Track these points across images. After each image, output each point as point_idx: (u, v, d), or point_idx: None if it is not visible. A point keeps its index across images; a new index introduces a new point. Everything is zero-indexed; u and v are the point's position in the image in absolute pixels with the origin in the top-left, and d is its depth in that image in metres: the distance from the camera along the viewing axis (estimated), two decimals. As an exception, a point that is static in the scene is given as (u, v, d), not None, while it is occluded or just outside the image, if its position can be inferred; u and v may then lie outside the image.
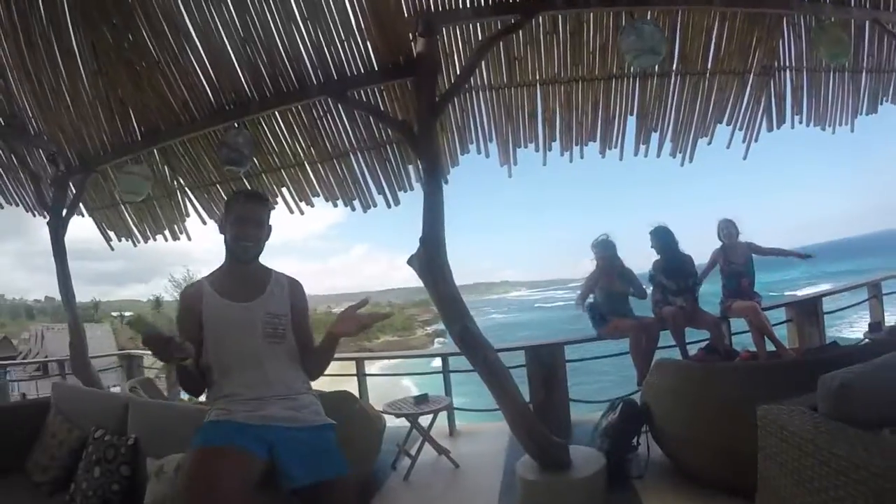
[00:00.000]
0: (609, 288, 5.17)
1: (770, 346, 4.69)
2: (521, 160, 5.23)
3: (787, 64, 5.26)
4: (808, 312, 5.60)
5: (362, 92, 4.59)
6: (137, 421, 3.48)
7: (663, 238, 5.10)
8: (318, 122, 4.97)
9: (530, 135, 5.07)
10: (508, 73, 4.76)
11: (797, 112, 5.56)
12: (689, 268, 5.11)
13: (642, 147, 5.21)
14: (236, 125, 4.79)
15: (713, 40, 4.81)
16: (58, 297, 5.99)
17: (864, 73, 5.67)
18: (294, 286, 2.46)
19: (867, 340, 5.25)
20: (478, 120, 5.00)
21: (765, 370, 3.43)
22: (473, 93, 4.89)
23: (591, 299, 5.28)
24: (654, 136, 5.21)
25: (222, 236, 2.35)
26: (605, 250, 5.24)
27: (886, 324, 5.91)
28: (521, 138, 5.09)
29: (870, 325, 5.46)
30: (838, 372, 2.09)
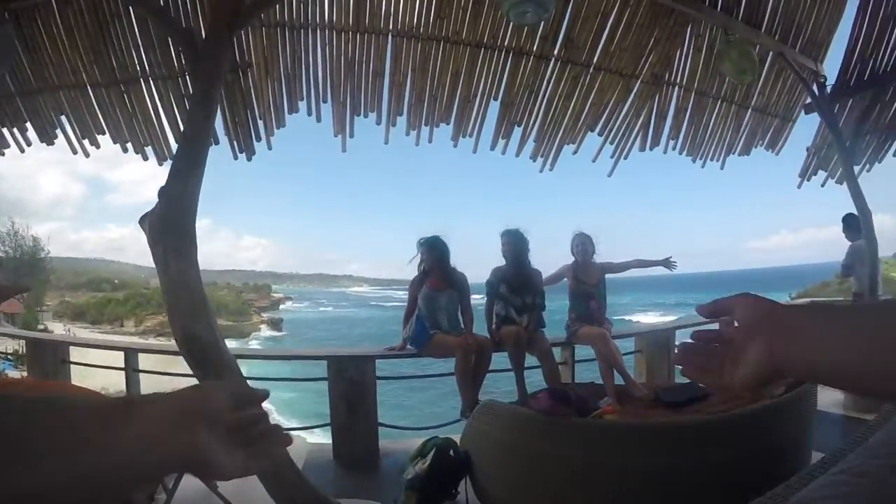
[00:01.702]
0: (434, 296, 4.28)
1: (618, 379, 4.08)
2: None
3: (678, 80, 4.83)
4: (660, 344, 5.13)
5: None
6: None
7: (517, 243, 4.31)
8: (104, 28, 3.74)
9: (373, 102, 4.13)
10: (356, 14, 3.80)
11: (674, 136, 5.16)
12: (536, 284, 4.36)
13: (501, 141, 4.49)
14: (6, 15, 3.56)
15: (607, 29, 4.18)
16: None
17: (749, 111, 5.43)
18: None
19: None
20: (311, 69, 3.97)
21: (632, 431, 2.67)
22: (309, 32, 3.86)
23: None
24: (517, 132, 4.51)
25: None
26: (433, 250, 4.34)
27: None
28: (362, 104, 4.13)
29: None
30: (809, 496, 1.17)
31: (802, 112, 5.56)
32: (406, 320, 4.31)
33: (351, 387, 3.95)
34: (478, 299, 4.43)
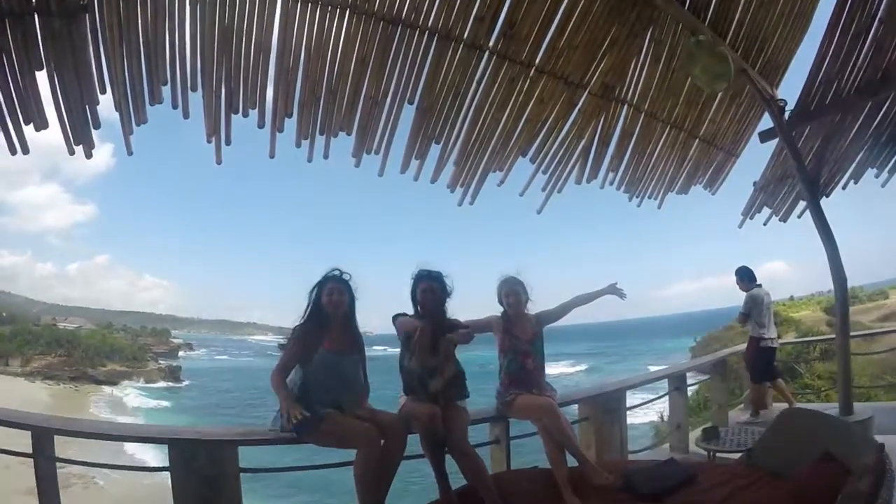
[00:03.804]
0: (334, 361, 3.01)
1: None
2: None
3: (629, 97, 4.29)
4: (610, 409, 4.19)
5: None
6: None
7: (438, 290, 3.27)
8: None
9: (255, 94, 3.16)
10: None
11: (614, 167, 4.67)
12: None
13: (415, 162, 3.66)
14: None
15: (558, 16, 3.47)
16: None
17: (696, 141, 5.04)
18: None
19: (706, 452, 4.14)
20: (177, 37, 2.94)
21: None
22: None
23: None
24: (435, 150, 3.72)
25: None
26: (346, 292, 3.11)
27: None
28: (241, 96, 3.14)
29: (704, 430, 4.28)
30: None
31: (743, 147, 5.36)
32: (280, 388, 2.92)
33: (203, 482, 2.73)
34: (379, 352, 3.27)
